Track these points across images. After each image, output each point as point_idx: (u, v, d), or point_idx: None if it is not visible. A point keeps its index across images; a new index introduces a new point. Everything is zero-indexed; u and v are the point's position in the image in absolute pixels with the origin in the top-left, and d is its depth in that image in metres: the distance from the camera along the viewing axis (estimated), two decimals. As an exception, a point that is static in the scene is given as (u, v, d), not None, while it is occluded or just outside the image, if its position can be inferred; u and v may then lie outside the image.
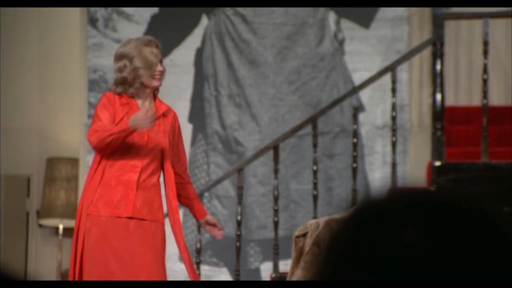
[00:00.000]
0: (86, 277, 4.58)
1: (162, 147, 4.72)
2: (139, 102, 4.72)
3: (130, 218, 4.64)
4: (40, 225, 8.26)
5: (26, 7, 7.74)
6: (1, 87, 8.37)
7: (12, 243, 8.21)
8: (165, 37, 7.41)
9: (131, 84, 4.67)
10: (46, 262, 8.24)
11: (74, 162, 7.97)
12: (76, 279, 4.60)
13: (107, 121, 4.62)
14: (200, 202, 4.97)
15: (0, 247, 8.16)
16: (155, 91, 4.79)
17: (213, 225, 4.90)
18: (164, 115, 4.78)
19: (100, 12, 7.44)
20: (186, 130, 7.37)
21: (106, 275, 4.54)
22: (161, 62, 4.70)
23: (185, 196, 4.89)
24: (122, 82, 4.68)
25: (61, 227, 8.13)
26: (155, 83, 4.71)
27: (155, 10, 7.41)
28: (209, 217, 4.92)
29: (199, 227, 6.32)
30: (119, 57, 4.74)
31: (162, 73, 4.71)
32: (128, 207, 4.64)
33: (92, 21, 7.44)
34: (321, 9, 7.27)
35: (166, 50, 7.45)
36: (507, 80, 7.34)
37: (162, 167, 4.72)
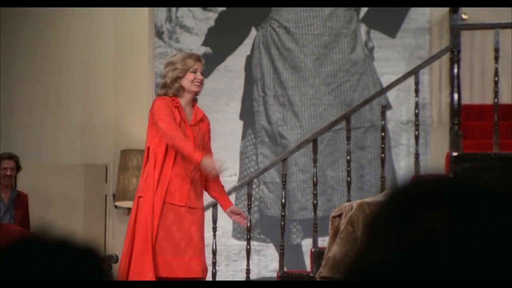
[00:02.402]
0: (159, 250, 4.61)
1: (201, 146, 4.75)
2: (184, 106, 4.75)
3: (184, 206, 4.68)
4: (116, 206, 8.31)
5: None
6: (83, 90, 8.43)
7: (93, 221, 8.28)
8: (220, 47, 7.41)
9: (170, 87, 4.68)
10: (121, 237, 8.30)
11: (144, 153, 7.99)
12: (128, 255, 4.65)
13: (172, 121, 4.63)
14: (226, 194, 4.97)
15: (83, 224, 8.23)
16: (193, 100, 4.81)
17: (238, 214, 4.91)
18: (202, 119, 4.82)
19: (165, 26, 7.47)
20: (238, 125, 7.36)
21: (176, 248, 4.60)
22: (202, 73, 4.74)
23: (212, 189, 4.88)
24: (163, 86, 4.73)
25: (133, 208, 8.18)
26: (194, 88, 4.75)
27: (211, 23, 7.42)
28: (233, 208, 4.93)
29: (249, 208, 6.31)
30: (165, 65, 4.81)
31: (201, 81, 4.76)
32: (182, 197, 4.67)
33: (159, 34, 7.47)
34: (354, 21, 7.22)
35: (220, 57, 7.45)
36: (515, 81, 7.24)
37: None
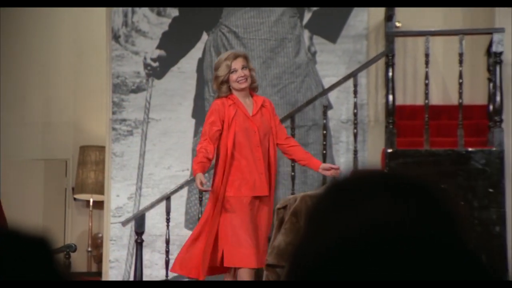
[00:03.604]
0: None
1: (268, 133, 4.74)
2: (241, 100, 4.74)
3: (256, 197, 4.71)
4: (75, 199, 8.23)
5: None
6: (44, 89, 8.32)
7: (53, 213, 8.19)
8: (173, 50, 7.37)
9: (219, 88, 4.74)
10: (79, 228, 8.22)
11: (101, 149, 7.93)
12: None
13: (211, 126, 4.70)
14: (312, 156, 4.95)
15: (44, 216, 8.12)
16: (250, 91, 4.79)
17: (329, 169, 4.89)
18: (263, 106, 4.78)
19: (122, 30, 7.40)
20: (190, 123, 7.32)
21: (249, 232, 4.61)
22: (244, 68, 4.71)
23: (299, 158, 4.87)
24: (215, 88, 4.81)
25: (91, 200, 8.10)
26: (241, 86, 4.75)
27: (165, 28, 7.37)
28: (323, 165, 4.93)
29: (200, 200, 6.28)
30: (213, 69, 4.87)
31: (245, 76, 4.71)
32: (264, 187, 4.70)
33: (115, 37, 7.40)
34: (298, 27, 7.24)
35: (174, 60, 7.41)
36: (444, 84, 7.33)
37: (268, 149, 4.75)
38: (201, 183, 4.68)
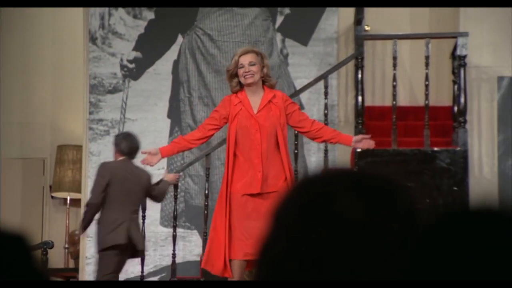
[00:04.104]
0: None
1: (274, 129, 4.61)
2: (250, 97, 4.66)
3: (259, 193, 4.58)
4: (52, 197, 8.17)
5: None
6: (22, 90, 8.25)
7: (31, 210, 8.13)
8: (149, 52, 7.34)
9: (229, 82, 4.69)
10: (57, 225, 8.16)
11: (78, 148, 7.88)
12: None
13: (209, 118, 4.71)
14: (341, 133, 4.82)
15: (22, 213, 8.05)
16: (264, 85, 4.70)
17: (361, 141, 4.80)
18: (271, 101, 4.67)
19: (99, 32, 7.36)
20: (166, 123, 7.31)
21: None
22: (252, 64, 4.63)
23: (329, 137, 4.72)
24: (228, 82, 4.71)
25: (68, 198, 8.05)
26: (246, 81, 4.65)
27: (141, 30, 7.35)
28: (355, 138, 4.81)
29: (175, 198, 6.27)
30: None
31: (250, 72, 4.63)
32: (257, 185, 4.55)
33: (93, 39, 7.36)
34: (270, 31, 7.25)
35: (150, 61, 7.38)
36: (411, 86, 7.38)
37: (278, 144, 4.62)
38: (147, 152, 4.68)
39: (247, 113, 4.64)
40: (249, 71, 4.62)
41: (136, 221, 5.49)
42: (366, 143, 4.78)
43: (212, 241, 4.63)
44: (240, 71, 4.65)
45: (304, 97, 7.07)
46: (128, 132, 6.02)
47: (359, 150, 6.20)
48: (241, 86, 4.67)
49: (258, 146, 4.58)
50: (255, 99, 4.67)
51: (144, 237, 5.69)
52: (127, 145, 5.51)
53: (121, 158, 5.53)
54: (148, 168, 7.19)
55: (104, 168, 5.46)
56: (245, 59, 4.64)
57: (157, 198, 5.70)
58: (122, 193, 5.39)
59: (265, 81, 4.72)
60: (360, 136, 4.83)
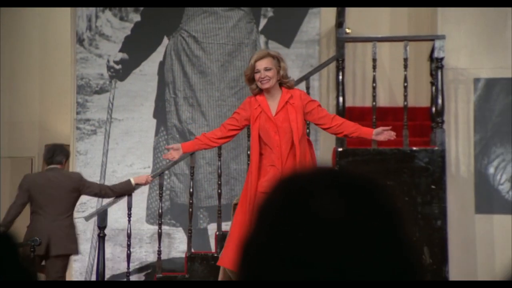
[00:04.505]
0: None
1: (291, 130, 4.56)
2: (268, 100, 4.62)
3: None
4: (40, 195, 8.11)
5: (26, 7, 7.57)
6: (11, 90, 8.20)
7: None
8: (135, 53, 7.32)
9: (249, 85, 4.65)
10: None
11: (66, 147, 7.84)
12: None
13: (230, 118, 4.70)
14: (361, 126, 4.68)
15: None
16: (282, 86, 4.63)
17: (381, 133, 4.68)
18: (287, 102, 4.61)
19: (86, 34, 7.34)
20: (151, 123, 7.29)
21: None
22: (267, 69, 4.57)
23: (350, 132, 4.63)
24: (248, 85, 4.67)
25: (56, 196, 7.99)
26: (263, 86, 4.61)
27: (128, 32, 7.33)
28: (375, 131, 4.70)
29: (161, 196, 6.26)
30: None
31: (266, 77, 4.58)
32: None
33: (80, 41, 7.33)
34: (254, 33, 7.25)
35: (136, 63, 7.36)
36: (390, 87, 7.40)
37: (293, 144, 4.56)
38: (170, 148, 4.73)
39: (265, 116, 4.62)
40: (265, 77, 4.58)
41: (61, 224, 5.71)
42: (387, 134, 4.72)
43: (229, 237, 4.63)
44: (256, 76, 4.61)
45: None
46: (49, 144, 6.36)
47: (340, 149, 6.22)
48: (260, 88, 4.66)
49: (277, 148, 4.56)
50: (273, 101, 4.64)
51: (72, 239, 5.76)
52: (44, 155, 5.92)
53: (47, 167, 5.87)
54: (135, 166, 7.18)
55: (23, 180, 5.84)
56: (261, 64, 4.59)
57: (108, 195, 5.86)
58: (43, 199, 5.71)
59: (282, 83, 4.66)
60: (380, 129, 4.74)
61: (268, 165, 4.57)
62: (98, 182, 6.72)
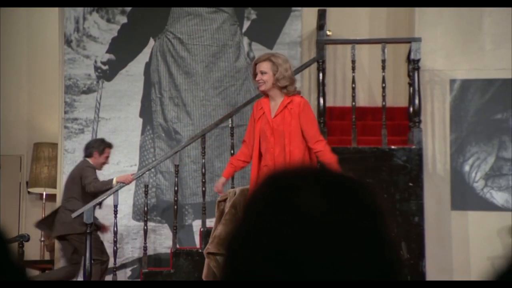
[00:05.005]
0: None
1: (284, 134, 4.55)
2: (271, 102, 4.64)
3: None
4: (29, 192, 8.09)
5: (25, 7, 7.52)
6: (0, 90, 8.15)
7: (8, 205, 8.04)
8: (122, 54, 7.29)
9: (255, 85, 4.67)
10: (33, 219, 8.07)
11: (54, 146, 7.81)
12: None
13: (246, 131, 4.72)
14: (335, 163, 4.63)
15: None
16: (281, 90, 4.61)
17: None
18: (286, 107, 4.59)
19: (74, 35, 7.31)
20: (138, 122, 7.27)
21: None
22: (263, 73, 4.57)
23: (323, 162, 4.61)
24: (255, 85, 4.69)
25: (44, 193, 7.97)
26: (258, 89, 4.67)
27: (115, 34, 7.31)
28: None
29: (146, 193, 6.24)
30: None
31: (261, 80, 4.59)
32: None
33: (68, 42, 7.30)
34: (238, 35, 7.25)
35: (123, 63, 7.33)
36: (370, 88, 7.43)
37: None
38: (217, 188, 4.70)
39: (265, 117, 4.64)
40: (259, 80, 4.61)
41: (64, 208, 6.25)
42: None
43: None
44: (255, 80, 4.65)
45: (269, 98, 7.09)
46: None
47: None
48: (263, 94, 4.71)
49: (271, 149, 4.57)
50: (274, 104, 4.66)
51: (64, 222, 6.21)
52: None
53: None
54: (122, 164, 7.17)
55: None
56: (258, 67, 4.61)
57: (89, 190, 6.20)
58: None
59: (282, 88, 4.64)
60: None
61: (263, 165, 4.59)
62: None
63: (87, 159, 6.37)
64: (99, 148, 6.34)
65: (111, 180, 6.13)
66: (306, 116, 4.62)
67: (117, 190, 6.07)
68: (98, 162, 6.37)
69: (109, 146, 6.47)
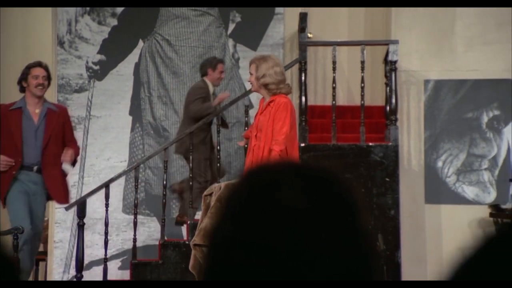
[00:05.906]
0: None
1: (262, 132, 4.61)
2: (264, 101, 4.71)
3: None
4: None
5: (25, 7, 7.46)
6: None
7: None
8: (113, 55, 7.26)
9: None
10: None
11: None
12: None
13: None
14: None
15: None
16: (268, 90, 4.66)
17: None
18: (268, 105, 4.65)
19: (66, 36, 7.28)
20: (127, 120, 7.24)
21: None
22: (250, 74, 4.66)
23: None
24: None
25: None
26: (251, 88, 4.79)
27: (105, 35, 7.28)
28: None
29: (136, 188, 6.22)
30: None
31: (250, 81, 4.70)
32: None
33: (61, 43, 7.26)
34: (223, 37, 7.25)
35: (113, 64, 7.30)
36: (349, 88, 7.45)
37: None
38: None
39: (258, 113, 4.74)
40: (249, 80, 4.74)
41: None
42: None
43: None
44: None
45: (253, 97, 7.08)
46: None
47: (302, 145, 6.24)
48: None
49: (252, 146, 4.66)
50: (265, 103, 4.74)
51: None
52: None
53: None
54: (112, 160, 7.14)
55: None
56: (250, 70, 4.73)
57: (188, 112, 6.26)
58: None
59: (265, 86, 4.67)
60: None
61: (249, 160, 4.70)
62: (77, 174, 6.66)
63: (204, 78, 6.30)
64: (211, 64, 6.27)
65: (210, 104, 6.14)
66: (277, 114, 4.64)
67: (109, 184, 6.04)
68: (214, 78, 6.30)
69: (221, 61, 6.43)
